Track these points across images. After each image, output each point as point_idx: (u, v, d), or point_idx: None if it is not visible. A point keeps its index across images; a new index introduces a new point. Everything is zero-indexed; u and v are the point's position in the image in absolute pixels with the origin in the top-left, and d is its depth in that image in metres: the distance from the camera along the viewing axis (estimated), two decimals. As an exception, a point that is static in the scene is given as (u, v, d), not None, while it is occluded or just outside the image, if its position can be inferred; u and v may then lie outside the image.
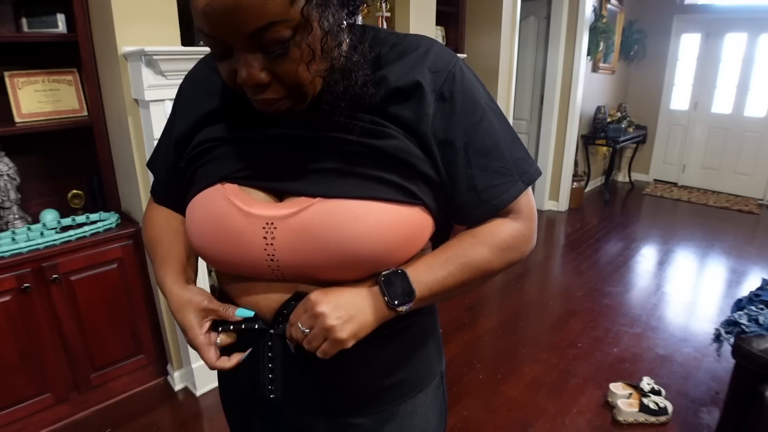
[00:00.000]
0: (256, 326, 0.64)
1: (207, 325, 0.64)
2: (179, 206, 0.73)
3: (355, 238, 0.56)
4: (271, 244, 0.58)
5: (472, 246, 0.63)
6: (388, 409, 0.69)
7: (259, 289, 0.63)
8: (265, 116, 0.59)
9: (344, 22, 0.56)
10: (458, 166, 0.62)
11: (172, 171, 0.72)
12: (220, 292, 0.73)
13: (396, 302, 0.58)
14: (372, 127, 0.58)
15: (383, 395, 0.69)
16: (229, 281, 0.68)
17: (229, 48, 0.52)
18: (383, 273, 0.59)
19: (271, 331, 0.64)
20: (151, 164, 0.80)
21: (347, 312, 0.57)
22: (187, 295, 0.65)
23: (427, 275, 0.60)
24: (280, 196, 0.61)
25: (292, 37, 0.50)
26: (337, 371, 0.66)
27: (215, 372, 0.97)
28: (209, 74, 0.68)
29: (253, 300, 0.64)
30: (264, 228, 0.58)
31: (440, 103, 0.60)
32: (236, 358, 0.64)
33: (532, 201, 0.67)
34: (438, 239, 0.67)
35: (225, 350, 0.65)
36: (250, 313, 0.62)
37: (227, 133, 0.63)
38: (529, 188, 0.67)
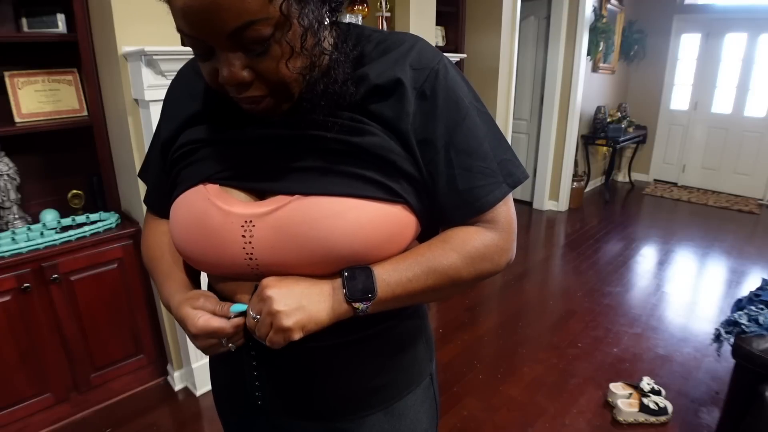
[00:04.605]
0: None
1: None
2: None
3: (333, 235, 0.55)
4: (250, 242, 0.57)
5: (442, 251, 0.61)
6: (375, 412, 0.69)
7: (241, 289, 0.63)
8: (247, 117, 0.59)
9: (326, 20, 0.55)
10: (439, 166, 0.60)
11: (163, 176, 0.71)
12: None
13: (354, 298, 0.56)
14: (351, 124, 0.58)
15: (370, 398, 0.68)
16: (217, 281, 0.67)
17: (210, 48, 0.52)
18: (349, 267, 0.57)
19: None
20: (143, 174, 0.79)
21: (298, 301, 0.55)
22: (187, 296, 0.64)
23: (390, 276, 0.58)
24: (261, 195, 0.61)
25: (272, 35, 0.50)
26: (321, 375, 0.65)
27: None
28: (193, 77, 0.67)
29: (238, 300, 0.63)
30: (243, 226, 0.57)
31: (421, 101, 0.59)
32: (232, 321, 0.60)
33: (511, 212, 0.65)
34: (424, 239, 0.65)
35: (221, 358, 0.63)
36: (244, 307, 0.60)
37: (209, 134, 0.63)
38: (510, 199, 0.65)
